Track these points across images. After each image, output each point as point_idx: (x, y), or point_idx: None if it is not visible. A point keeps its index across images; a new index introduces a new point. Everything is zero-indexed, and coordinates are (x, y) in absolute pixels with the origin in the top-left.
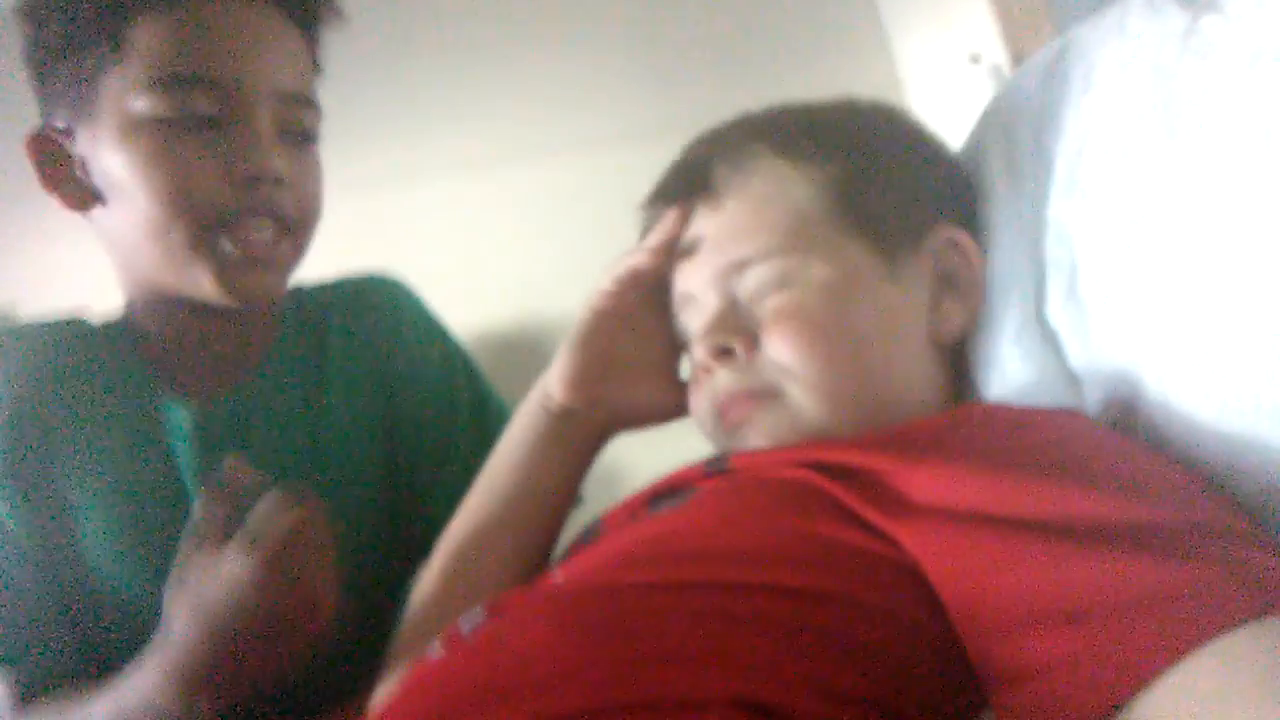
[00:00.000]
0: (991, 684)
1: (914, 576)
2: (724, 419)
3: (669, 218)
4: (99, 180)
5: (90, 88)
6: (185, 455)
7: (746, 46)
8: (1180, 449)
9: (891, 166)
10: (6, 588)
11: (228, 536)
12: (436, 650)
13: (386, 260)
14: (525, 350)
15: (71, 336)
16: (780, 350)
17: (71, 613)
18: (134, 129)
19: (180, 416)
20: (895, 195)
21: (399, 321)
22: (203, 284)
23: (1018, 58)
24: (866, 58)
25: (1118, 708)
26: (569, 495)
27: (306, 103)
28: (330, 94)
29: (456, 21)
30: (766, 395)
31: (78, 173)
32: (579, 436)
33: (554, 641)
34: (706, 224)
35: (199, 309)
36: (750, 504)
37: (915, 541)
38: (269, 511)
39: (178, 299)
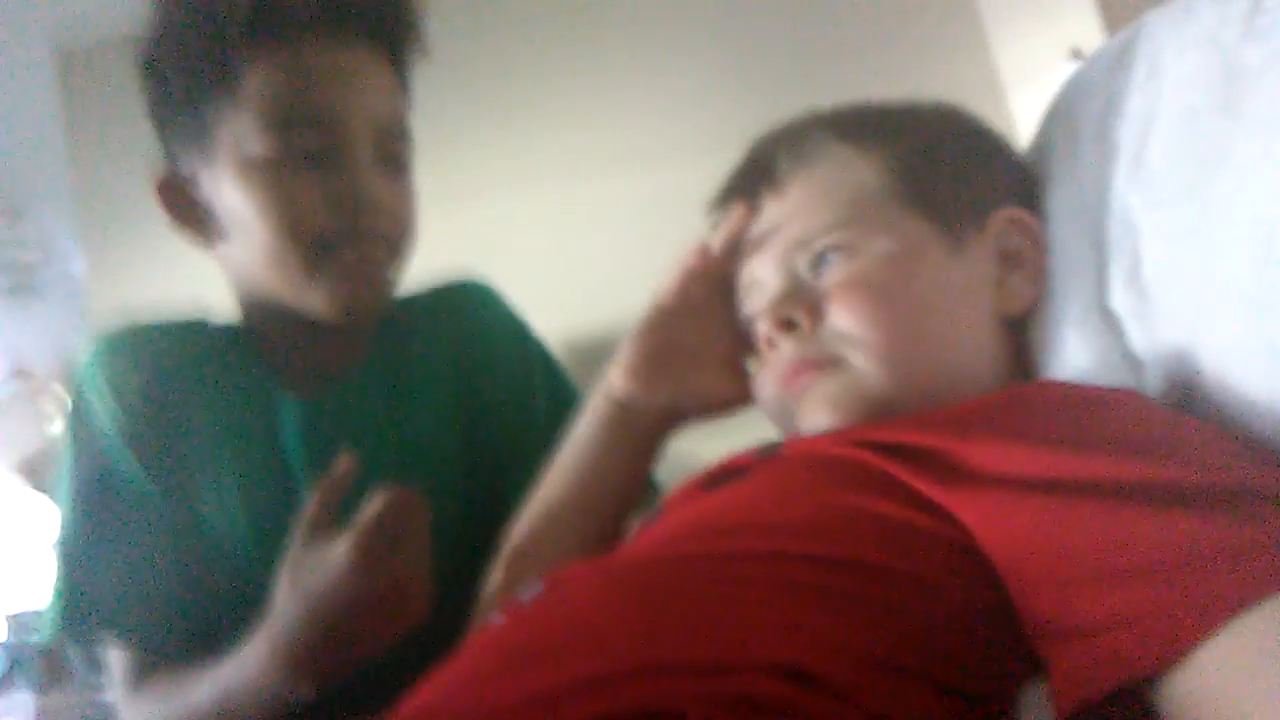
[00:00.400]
0: (1047, 643)
1: (963, 552)
2: (786, 388)
3: (734, 211)
4: (221, 218)
5: (210, 134)
6: (295, 447)
7: (838, 50)
8: (1240, 429)
9: (953, 151)
10: (136, 566)
11: (335, 528)
12: (497, 618)
13: (477, 267)
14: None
15: (195, 335)
16: (843, 318)
17: (191, 595)
18: (249, 168)
19: (291, 411)
20: (957, 177)
21: (482, 323)
22: (316, 303)
23: None
24: (963, 58)
25: (1175, 664)
26: (634, 483)
27: (401, 134)
28: (424, 106)
29: (544, 32)
30: (829, 363)
31: (202, 214)
32: (641, 425)
33: (600, 607)
34: (772, 212)
35: (310, 321)
36: (799, 480)
37: (970, 508)
38: (372, 505)
39: (292, 314)
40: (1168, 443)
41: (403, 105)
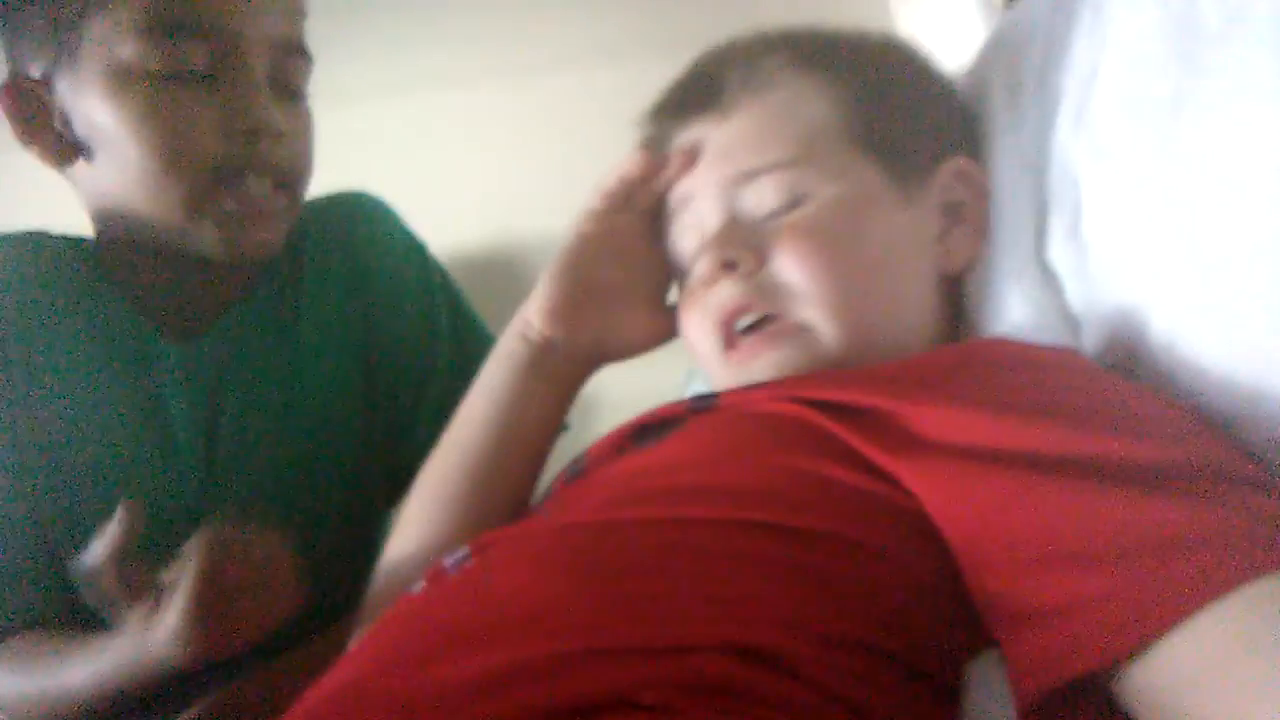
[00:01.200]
0: (1001, 624)
1: (913, 518)
2: (728, 335)
3: (676, 146)
4: (82, 132)
5: (72, 34)
6: (175, 397)
7: None
8: (1183, 396)
9: (908, 94)
10: None
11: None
12: (420, 587)
13: (362, 177)
14: (501, 273)
15: (40, 252)
16: (791, 268)
17: (43, 550)
18: (122, 79)
19: (168, 356)
20: (910, 122)
21: (376, 240)
22: (201, 243)
23: None
24: None
25: (1138, 653)
26: (553, 428)
27: (300, 52)
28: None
29: None
30: (779, 320)
31: (57, 124)
32: (562, 368)
33: (537, 581)
34: (714, 133)
35: (186, 259)
36: (742, 439)
37: (921, 479)
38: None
39: (167, 248)
40: (1120, 413)
41: (301, 20)
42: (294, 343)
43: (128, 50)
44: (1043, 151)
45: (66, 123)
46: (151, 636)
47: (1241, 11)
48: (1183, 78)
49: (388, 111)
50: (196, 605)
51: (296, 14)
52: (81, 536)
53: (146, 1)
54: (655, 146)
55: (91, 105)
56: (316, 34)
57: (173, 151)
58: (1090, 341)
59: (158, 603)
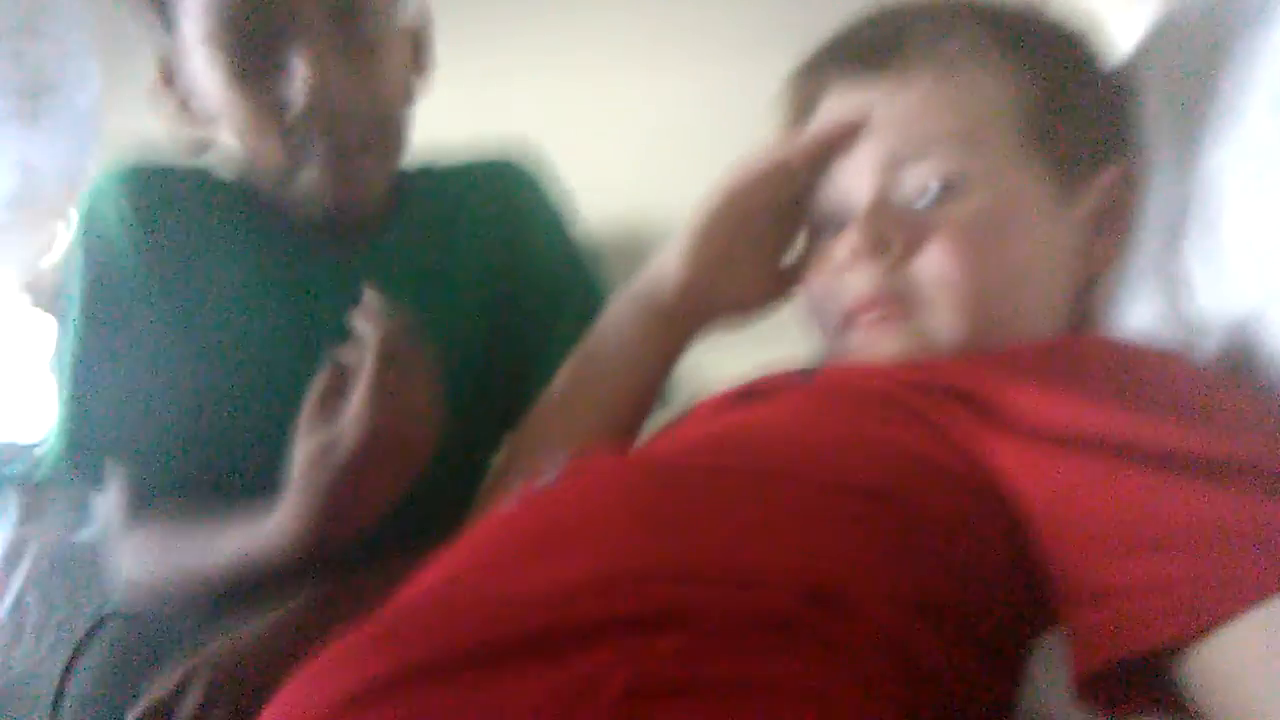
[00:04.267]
0: (1070, 603)
1: (992, 496)
2: (856, 318)
3: (849, 110)
4: (199, 103)
5: (170, 33)
6: (325, 307)
7: None
8: None
9: (1088, 94)
10: (146, 396)
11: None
12: (513, 501)
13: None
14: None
15: (210, 180)
16: (942, 263)
17: (201, 437)
18: (205, 49)
19: (321, 269)
20: (1084, 126)
21: (527, 204)
22: (304, 192)
23: None
24: None
25: (1199, 639)
26: (660, 380)
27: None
28: None
29: None
30: (905, 306)
31: (183, 95)
32: (682, 320)
33: (620, 503)
34: (887, 101)
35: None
36: (835, 407)
37: (1006, 456)
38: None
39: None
40: (1217, 412)
41: None
42: (434, 278)
43: (199, 56)
44: (1192, 155)
45: (190, 94)
46: (338, 435)
47: None
48: None
49: (539, 90)
50: (375, 389)
51: None
52: (230, 422)
53: (198, 18)
54: (810, 92)
55: (197, 76)
56: (473, 11)
57: (252, 136)
58: (1206, 349)
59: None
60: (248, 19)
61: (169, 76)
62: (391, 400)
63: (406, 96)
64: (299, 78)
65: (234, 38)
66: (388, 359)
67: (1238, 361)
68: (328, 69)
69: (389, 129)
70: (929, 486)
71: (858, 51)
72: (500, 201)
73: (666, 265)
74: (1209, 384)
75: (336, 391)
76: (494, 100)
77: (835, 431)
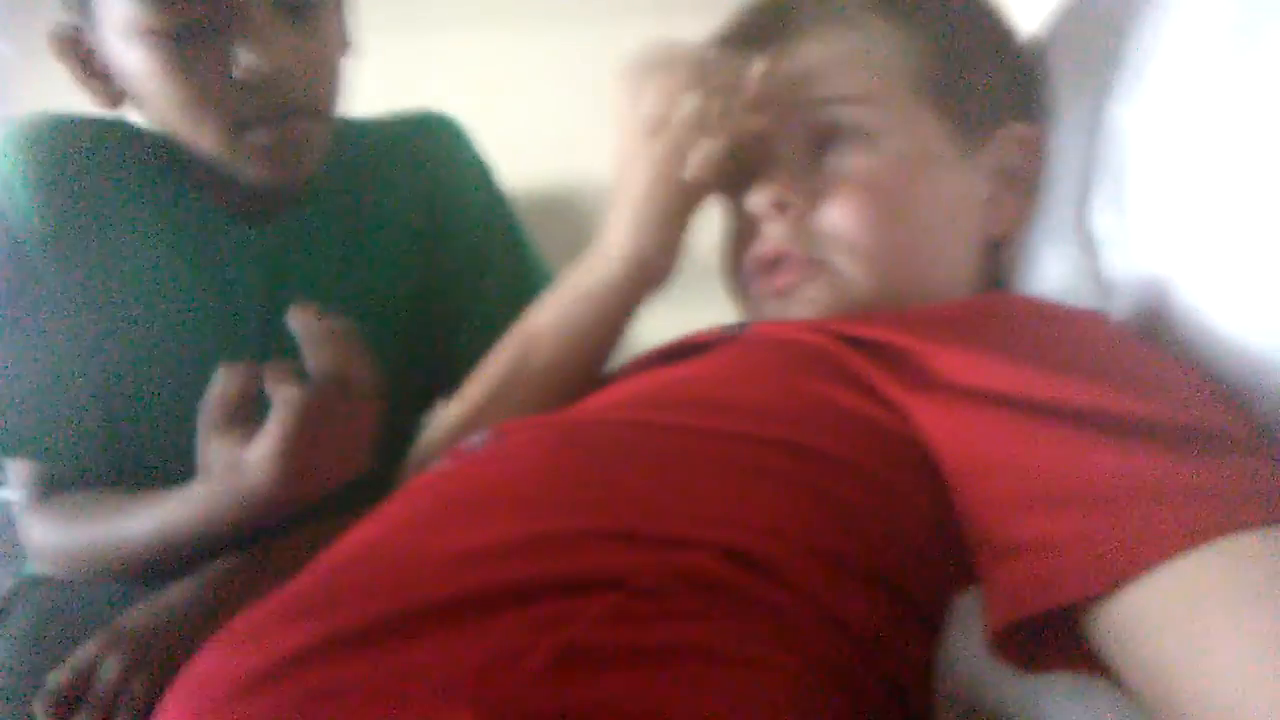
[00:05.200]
0: (985, 558)
1: (918, 452)
2: (765, 281)
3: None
4: (119, 80)
5: (83, 8)
6: (244, 279)
7: None
8: (1202, 363)
9: (982, 51)
10: (51, 374)
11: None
12: (443, 464)
13: (432, 104)
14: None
15: (121, 137)
16: (841, 219)
17: (105, 416)
18: (134, 37)
19: (239, 240)
20: (982, 80)
21: (449, 162)
22: (243, 173)
23: None
24: None
25: (1107, 594)
26: (609, 352)
27: None
28: None
29: None
30: (814, 265)
31: (99, 70)
32: (631, 292)
33: (547, 465)
34: (785, 65)
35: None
36: (764, 362)
37: (928, 414)
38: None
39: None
40: (1132, 372)
41: None
42: (358, 241)
43: (129, 13)
44: (1097, 114)
45: (107, 70)
46: (243, 470)
47: None
48: (1239, 51)
49: (455, 44)
50: (294, 433)
51: None
52: (141, 402)
53: None
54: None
55: (115, 58)
56: None
57: (194, 104)
58: (1120, 306)
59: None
60: (182, 8)
61: (77, 49)
62: (307, 453)
63: (343, 56)
64: (246, 53)
65: (170, 15)
66: (309, 417)
67: (1150, 320)
68: (274, 39)
69: (331, 92)
70: (856, 442)
71: (754, 24)
72: (422, 156)
73: (614, 240)
74: (1124, 344)
75: (247, 399)
76: (410, 60)
77: (763, 386)
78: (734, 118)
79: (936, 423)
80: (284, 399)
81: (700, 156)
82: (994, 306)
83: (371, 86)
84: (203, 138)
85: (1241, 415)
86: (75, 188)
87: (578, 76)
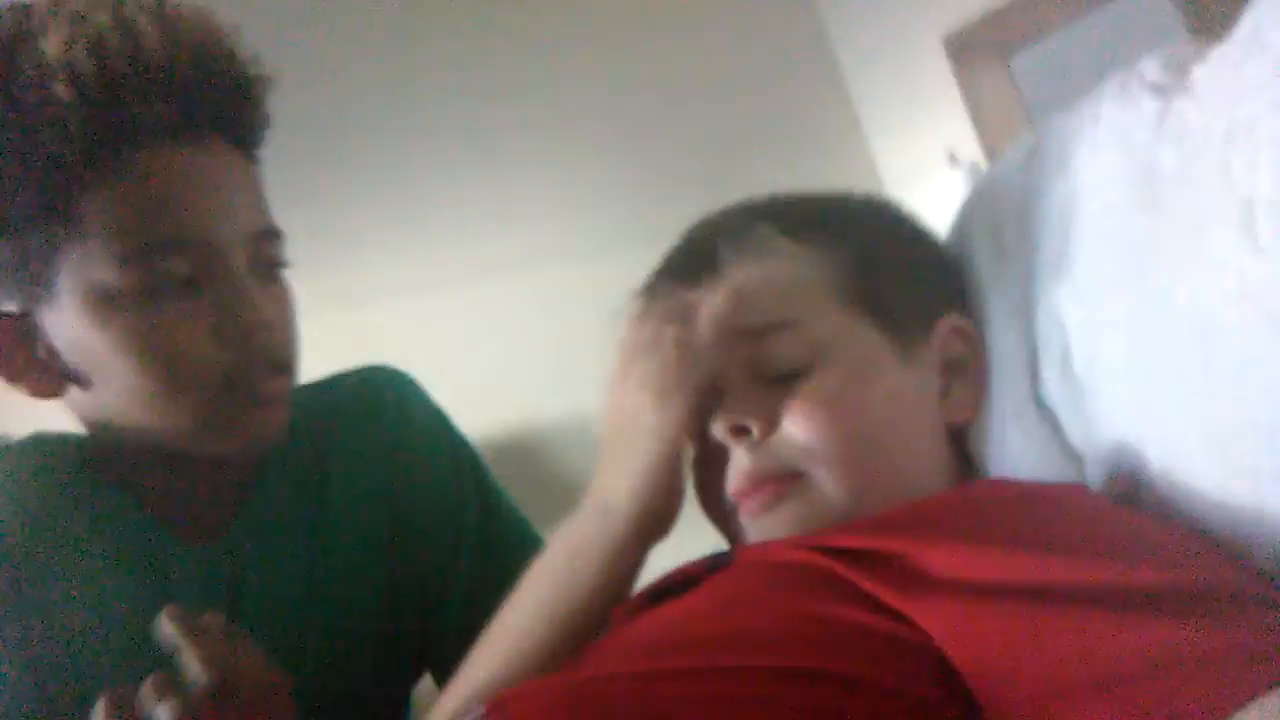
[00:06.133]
0: None
1: (928, 654)
2: (743, 505)
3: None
4: (72, 362)
5: (46, 265)
6: (191, 599)
7: (730, 152)
8: (1187, 521)
9: (899, 255)
10: None
11: None
12: None
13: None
14: (515, 459)
15: (42, 456)
16: (803, 430)
17: None
18: (106, 304)
19: (184, 561)
20: (904, 283)
21: (405, 414)
22: (210, 446)
23: (992, 154)
24: (847, 160)
25: None
26: (616, 603)
27: (272, 234)
28: (320, 205)
29: (444, 133)
30: (789, 479)
31: (43, 357)
32: (636, 548)
33: None
34: (710, 299)
35: (196, 460)
36: (755, 587)
37: (934, 619)
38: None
39: (174, 456)
40: (1125, 542)
41: (265, 202)
42: (319, 527)
43: (107, 276)
44: (1028, 298)
45: (54, 354)
46: None
47: (1195, 153)
48: (1147, 219)
49: (397, 311)
50: None
51: (262, 201)
52: None
53: (119, 228)
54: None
55: (78, 334)
56: (329, 239)
57: (174, 369)
58: (1093, 474)
59: None
60: (167, 266)
61: (17, 337)
62: None
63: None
64: (232, 306)
65: (152, 274)
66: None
67: (1128, 486)
68: (254, 294)
69: (298, 351)
70: (865, 656)
71: (680, 267)
72: (373, 413)
73: (615, 501)
74: (1113, 514)
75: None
76: (356, 323)
77: (766, 614)
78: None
79: (939, 624)
80: (161, 716)
81: (689, 397)
82: (976, 495)
83: (317, 362)
84: (173, 413)
85: (1239, 567)
86: (15, 522)
87: (515, 325)
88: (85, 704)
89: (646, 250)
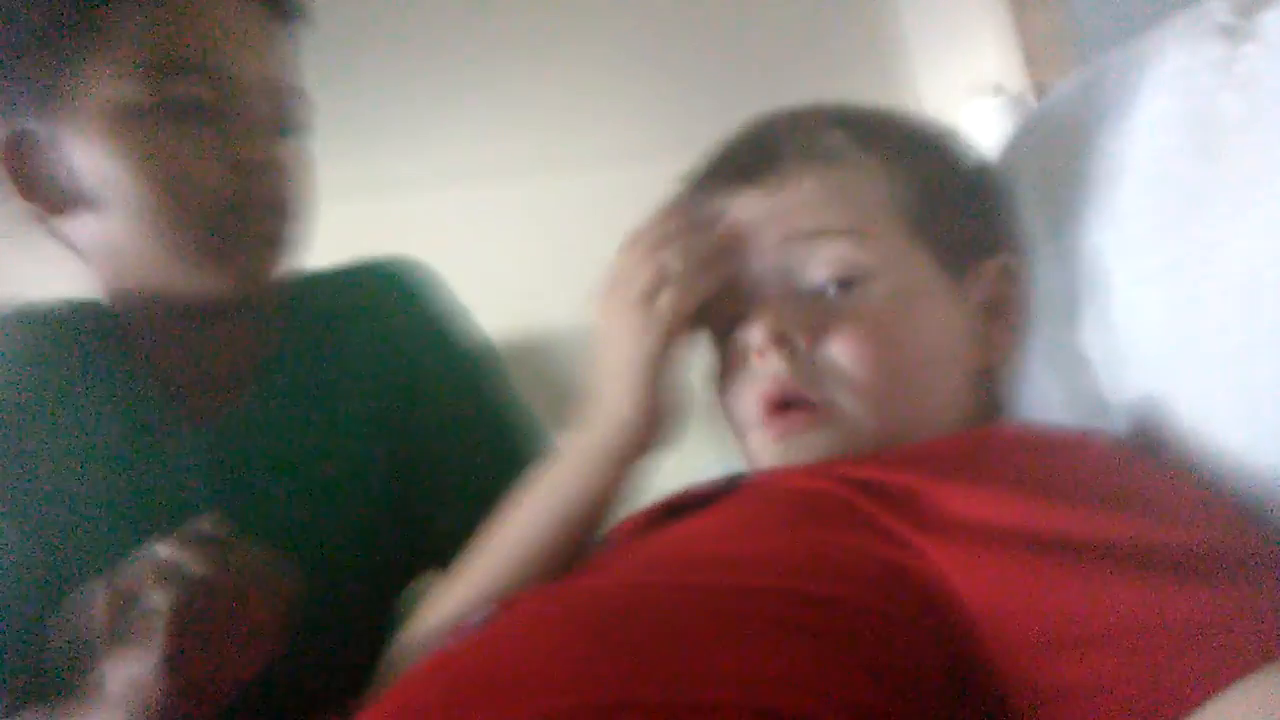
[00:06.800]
0: (1022, 703)
1: (937, 590)
2: (769, 424)
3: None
4: (86, 181)
5: (70, 79)
6: (193, 486)
7: (760, 63)
8: (1207, 480)
9: (963, 186)
10: None
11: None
12: (446, 643)
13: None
14: (526, 361)
15: (47, 323)
16: (845, 355)
17: (38, 636)
18: (123, 120)
19: (186, 442)
20: (964, 216)
21: (420, 309)
22: (208, 280)
23: (1040, 89)
24: (890, 85)
25: None
26: (605, 519)
27: (297, 92)
28: (338, 95)
29: (468, 32)
30: (821, 408)
31: (61, 176)
32: (633, 458)
33: (563, 636)
34: (772, 201)
35: (200, 312)
36: (772, 512)
37: (948, 557)
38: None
39: (177, 301)
40: (1146, 499)
41: (295, 65)
42: (324, 414)
43: (129, 89)
44: (1075, 242)
45: (70, 173)
46: (134, 688)
47: (1262, 102)
48: (1203, 167)
49: (417, 203)
50: (172, 642)
51: (292, 61)
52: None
53: (147, 41)
54: (698, 207)
55: (94, 149)
56: (347, 125)
57: (178, 188)
58: (1121, 425)
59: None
60: (188, 86)
61: (18, 156)
62: (196, 659)
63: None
64: (245, 138)
65: (171, 90)
66: (183, 622)
67: (1152, 438)
68: (270, 133)
69: (303, 216)
70: (876, 586)
71: (738, 164)
72: (387, 302)
73: (614, 409)
74: (1131, 467)
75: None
76: (376, 213)
77: (776, 538)
78: (706, 267)
79: (956, 565)
80: (153, 607)
81: (675, 304)
82: (994, 437)
83: (333, 253)
84: (173, 237)
85: (1259, 532)
86: (19, 388)
87: (540, 226)
88: (83, 572)
89: (670, 162)
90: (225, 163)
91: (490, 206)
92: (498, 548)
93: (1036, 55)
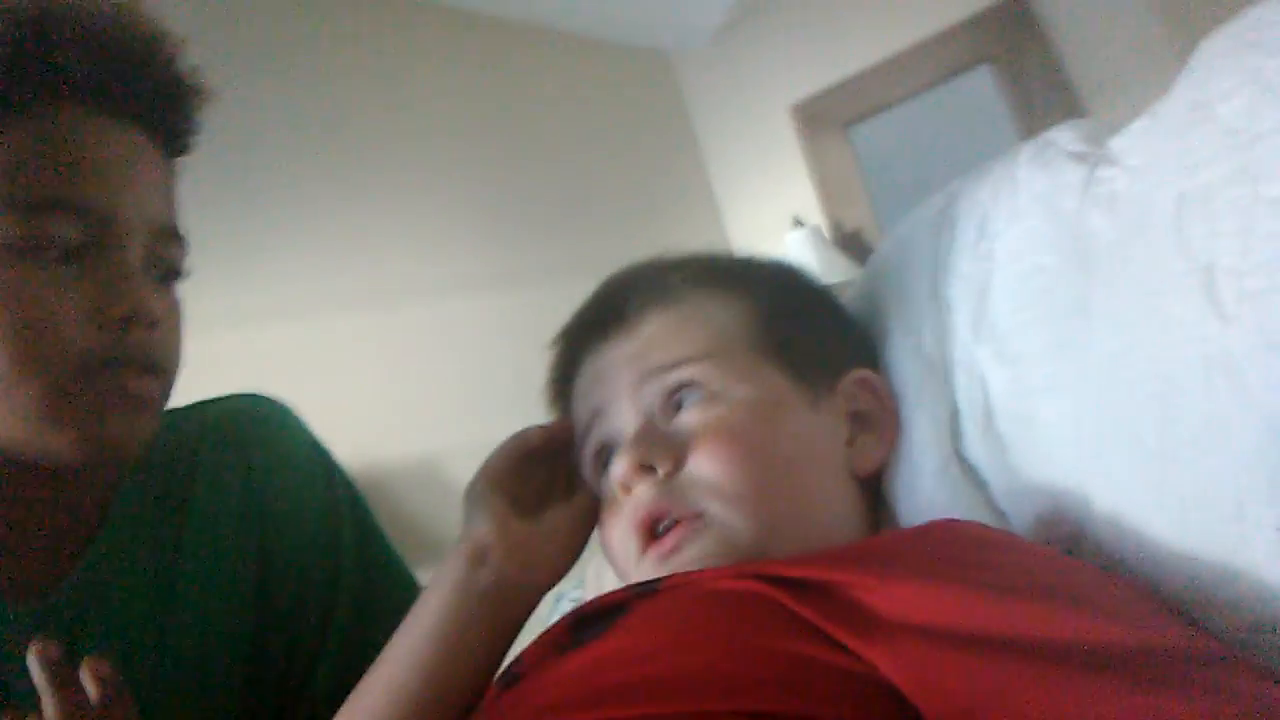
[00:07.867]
0: None
1: (888, 690)
2: (652, 547)
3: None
4: None
5: None
6: (16, 673)
7: (588, 207)
8: (1137, 578)
9: (806, 309)
10: None
11: None
12: None
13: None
14: (373, 494)
15: None
16: (706, 466)
17: None
18: None
19: (9, 619)
20: (811, 335)
21: (277, 449)
22: (59, 444)
23: (835, 222)
24: (698, 219)
25: None
26: (497, 664)
27: (177, 237)
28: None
29: (314, 168)
30: (695, 518)
31: None
32: (513, 603)
33: None
34: (623, 347)
35: (31, 475)
36: (698, 620)
37: (895, 663)
38: None
39: (14, 460)
40: (1087, 594)
41: (176, 206)
42: (174, 580)
43: None
44: (944, 355)
45: None
46: None
47: (1134, 220)
48: (1087, 283)
49: (292, 333)
50: None
51: (173, 200)
52: None
53: (15, 174)
54: (564, 368)
55: None
56: (224, 255)
57: (34, 337)
58: (1019, 528)
59: None
60: (56, 226)
61: None
62: None
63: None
64: (122, 286)
65: (42, 230)
66: None
67: (1058, 543)
68: (147, 283)
69: (177, 367)
70: (826, 694)
71: (592, 319)
72: (242, 443)
73: (481, 554)
74: (1070, 565)
75: None
76: (225, 346)
77: (710, 649)
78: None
79: (903, 671)
80: None
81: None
82: (925, 533)
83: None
84: (19, 393)
85: (1195, 627)
86: None
87: (413, 352)
88: None
89: (509, 293)
90: (90, 313)
91: (329, 338)
92: (374, 705)
93: (830, 189)
